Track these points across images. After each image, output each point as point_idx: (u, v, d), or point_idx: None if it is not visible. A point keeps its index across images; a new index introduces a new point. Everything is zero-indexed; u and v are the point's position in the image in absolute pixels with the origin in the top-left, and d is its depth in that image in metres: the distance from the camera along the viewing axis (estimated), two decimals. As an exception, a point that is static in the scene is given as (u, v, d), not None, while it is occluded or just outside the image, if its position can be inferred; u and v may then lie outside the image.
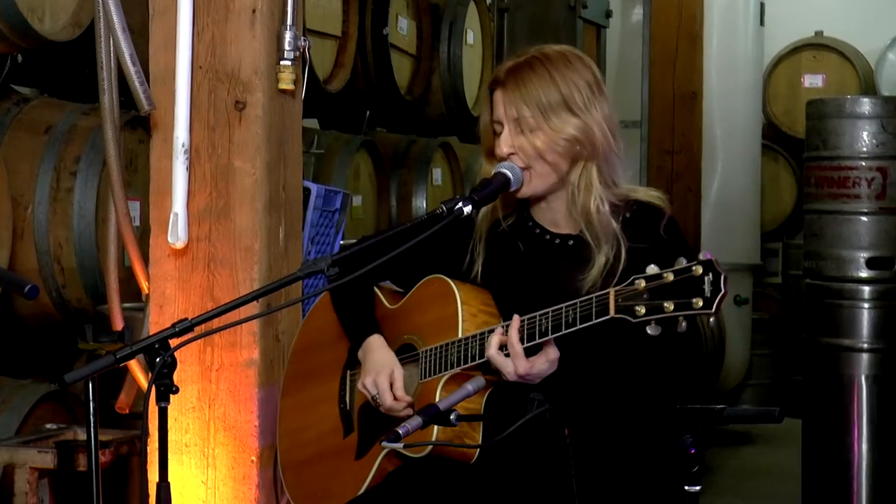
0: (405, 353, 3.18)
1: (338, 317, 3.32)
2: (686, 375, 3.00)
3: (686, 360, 2.98)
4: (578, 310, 2.78)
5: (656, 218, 3.09)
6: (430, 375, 3.07)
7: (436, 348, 3.06)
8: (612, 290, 2.70)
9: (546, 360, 2.89)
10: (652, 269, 2.64)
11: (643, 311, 2.63)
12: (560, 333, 2.82)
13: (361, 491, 3.14)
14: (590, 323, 2.75)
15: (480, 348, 2.96)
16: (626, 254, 3.02)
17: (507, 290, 3.13)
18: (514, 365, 2.88)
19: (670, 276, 2.61)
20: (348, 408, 3.29)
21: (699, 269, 2.58)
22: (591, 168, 3.06)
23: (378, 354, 3.18)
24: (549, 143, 3.03)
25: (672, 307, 2.59)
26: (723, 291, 2.57)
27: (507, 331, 2.89)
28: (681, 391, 2.99)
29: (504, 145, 3.06)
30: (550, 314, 2.83)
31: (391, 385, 3.11)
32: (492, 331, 2.94)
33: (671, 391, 2.99)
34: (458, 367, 3.00)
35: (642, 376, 3.00)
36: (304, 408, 3.41)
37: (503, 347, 2.90)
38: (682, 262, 2.61)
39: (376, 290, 3.33)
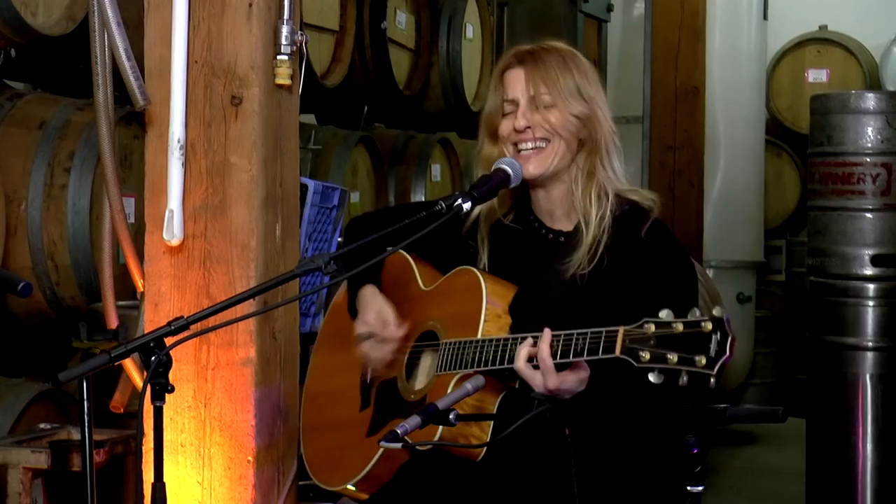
0: (427, 339, 3.21)
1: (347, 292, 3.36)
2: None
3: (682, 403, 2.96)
4: (588, 341, 2.77)
5: (640, 220, 3.12)
6: (446, 369, 3.08)
7: (455, 343, 3.07)
8: (621, 329, 2.68)
9: (576, 378, 2.87)
10: (665, 314, 2.62)
11: (647, 357, 2.61)
12: (567, 360, 2.82)
13: (366, 469, 3.16)
14: (595, 357, 2.75)
15: (495, 355, 2.97)
16: (606, 251, 3.06)
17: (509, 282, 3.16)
18: (545, 379, 2.86)
19: (680, 327, 2.59)
20: (368, 382, 3.31)
21: (708, 326, 2.55)
22: (594, 155, 3.12)
23: (369, 298, 3.26)
24: (562, 120, 3.10)
25: (675, 359, 2.57)
26: (727, 355, 2.54)
27: (536, 343, 2.88)
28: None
29: (521, 118, 3.11)
30: (562, 338, 2.83)
31: (383, 322, 3.19)
32: (516, 339, 2.94)
33: (666, 419, 2.97)
34: (471, 368, 3.01)
35: (641, 410, 3.00)
36: (330, 371, 3.44)
37: (531, 359, 2.89)
38: (696, 314, 2.60)
39: (414, 266, 3.35)
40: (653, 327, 2.62)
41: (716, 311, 2.57)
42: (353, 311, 3.31)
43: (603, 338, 2.73)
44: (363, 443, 3.22)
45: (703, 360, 2.54)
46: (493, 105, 3.21)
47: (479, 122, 3.27)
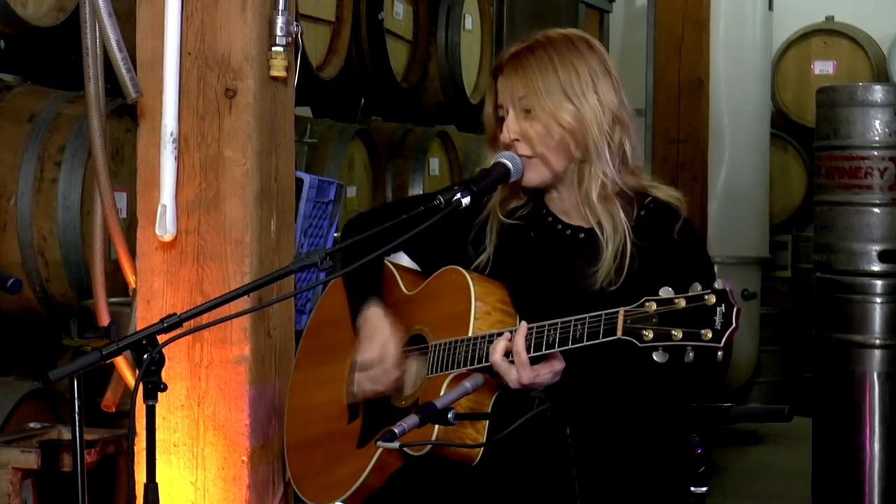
0: (415, 343, 3.20)
1: (346, 292, 3.35)
2: (692, 396, 2.97)
3: (695, 391, 2.94)
4: (587, 325, 2.77)
5: (671, 220, 3.09)
6: (436, 371, 3.07)
7: (445, 344, 3.07)
8: (622, 310, 2.69)
9: (550, 371, 2.87)
10: (665, 291, 2.63)
11: (650, 335, 2.62)
12: (565, 348, 2.82)
13: (359, 481, 3.15)
14: (596, 341, 2.75)
15: (489, 351, 2.96)
16: (637, 253, 3.03)
17: (518, 282, 3.14)
18: (518, 374, 2.87)
19: (682, 303, 2.59)
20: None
21: (712, 299, 2.57)
22: (587, 158, 3.07)
23: (375, 322, 3.22)
24: (544, 132, 3.05)
25: (680, 335, 2.58)
26: (733, 326, 2.55)
27: (513, 337, 2.89)
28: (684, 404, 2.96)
29: (509, 131, 3.08)
30: (559, 325, 2.83)
31: (383, 358, 3.16)
32: (501, 333, 2.94)
33: (675, 407, 2.96)
34: (464, 366, 3.00)
35: (646, 398, 3.00)
36: (314, 386, 3.42)
37: (508, 354, 2.89)
38: (697, 289, 2.60)
39: (396, 273, 3.35)
40: (654, 305, 2.63)
41: (717, 284, 2.59)
42: (355, 313, 3.28)
43: (603, 320, 2.73)
44: (354, 455, 3.21)
45: (710, 334, 2.56)
46: (489, 110, 3.18)
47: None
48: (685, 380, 2.85)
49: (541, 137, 3.05)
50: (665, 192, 3.14)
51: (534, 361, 2.88)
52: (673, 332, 2.59)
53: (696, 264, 3.06)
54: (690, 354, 2.58)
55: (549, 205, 3.19)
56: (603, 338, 2.73)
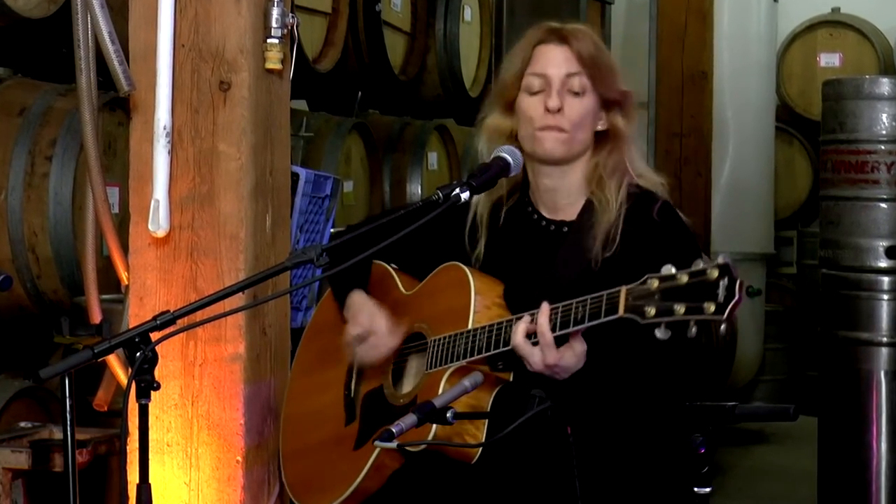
0: (415, 341, 3.21)
1: (333, 295, 3.37)
2: (694, 381, 2.99)
3: (694, 366, 2.96)
4: (589, 306, 2.78)
5: (649, 202, 3.13)
6: (436, 366, 3.08)
7: (444, 339, 3.08)
8: (623, 288, 2.71)
9: (573, 354, 2.89)
10: (667, 268, 2.64)
11: (653, 311, 2.63)
12: (567, 331, 2.83)
13: (355, 483, 3.16)
14: (598, 321, 2.76)
15: (488, 341, 2.98)
16: (620, 235, 3.08)
17: (507, 277, 3.16)
18: (543, 354, 2.88)
19: (684, 278, 2.61)
20: (352, 395, 3.31)
21: (714, 273, 2.58)
22: (621, 145, 3.17)
23: (360, 302, 3.26)
24: (591, 108, 3.14)
25: (683, 310, 2.59)
26: (736, 298, 2.56)
27: (534, 319, 2.89)
28: (687, 394, 2.98)
29: (556, 97, 3.11)
30: (560, 308, 2.85)
31: (376, 323, 3.19)
32: (510, 321, 2.95)
33: (678, 395, 2.98)
34: (464, 359, 3.01)
35: (649, 379, 3.00)
36: (311, 393, 3.44)
37: (530, 336, 2.90)
38: (699, 265, 2.61)
39: (394, 274, 3.37)
40: (656, 282, 2.65)
41: (720, 259, 2.60)
42: (340, 305, 3.32)
43: (605, 300, 2.75)
44: (351, 456, 3.22)
45: (713, 307, 2.56)
46: (513, 75, 3.20)
47: (492, 90, 3.28)
48: (687, 359, 2.87)
49: (582, 116, 3.13)
50: (647, 179, 3.21)
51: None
52: (676, 307, 2.60)
53: (678, 242, 3.10)
54: (693, 329, 2.59)
55: (534, 197, 3.23)
56: (605, 317, 2.74)
